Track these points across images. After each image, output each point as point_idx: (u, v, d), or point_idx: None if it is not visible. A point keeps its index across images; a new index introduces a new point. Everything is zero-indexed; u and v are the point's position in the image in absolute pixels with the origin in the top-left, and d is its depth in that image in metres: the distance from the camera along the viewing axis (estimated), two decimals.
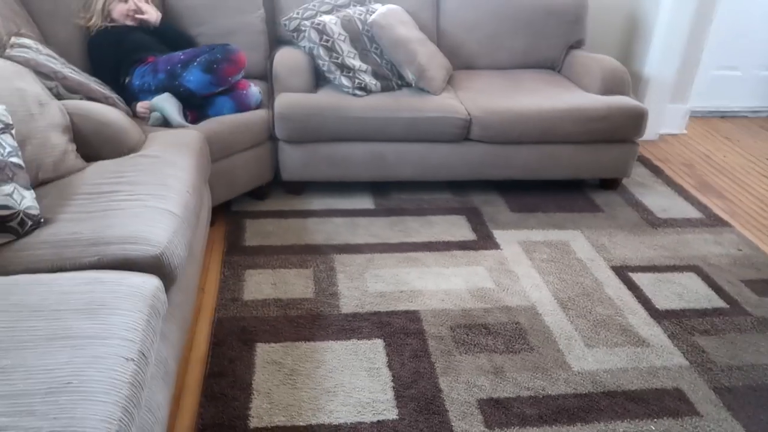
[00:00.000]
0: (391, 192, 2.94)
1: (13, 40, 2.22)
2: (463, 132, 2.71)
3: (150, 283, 1.45)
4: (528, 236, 2.64)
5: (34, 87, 1.94)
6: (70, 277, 1.42)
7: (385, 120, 2.64)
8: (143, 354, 1.26)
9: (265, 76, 2.95)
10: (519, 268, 2.40)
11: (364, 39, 2.83)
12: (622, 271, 2.43)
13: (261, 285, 2.23)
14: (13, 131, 1.70)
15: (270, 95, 2.81)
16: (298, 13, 2.91)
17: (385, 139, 2.71)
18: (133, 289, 1.40)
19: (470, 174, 2.84)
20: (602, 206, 2.93)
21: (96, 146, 2.06)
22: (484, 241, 2.59)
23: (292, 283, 2.25)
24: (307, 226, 2.62)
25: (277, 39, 3.12)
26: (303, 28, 2.81)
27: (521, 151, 2.81)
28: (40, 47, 2.27)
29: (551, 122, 2.73)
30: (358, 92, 2.71)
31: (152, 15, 2.64)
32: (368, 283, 2.26)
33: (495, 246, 2.55)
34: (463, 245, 2.54)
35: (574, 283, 2.33)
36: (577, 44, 3.31)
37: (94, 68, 2.54)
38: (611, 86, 2.95)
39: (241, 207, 2.74)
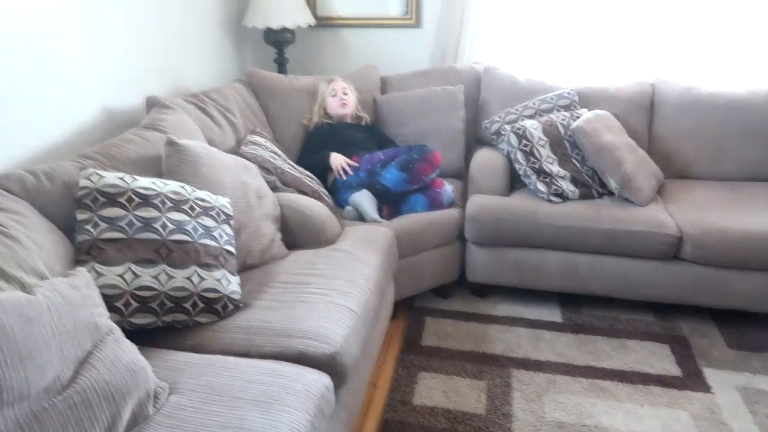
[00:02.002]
0: (582, 306, 2.72)
1: (249, 137, 2.58)
2: (672, 250, 2.43)
3: (321, 382, 1.48)
4: (750, 382, 2.21)
5: (256, 180, 2.20)
6: (254, 364, 1.51)
7: (582, 230, 2.48)
8: None
9: (461, 175, 3.00)
10: (736, 423, 2.00)
11: (566, 144, 2.74)
12: None
13: (432, 390, 2.16)
14: (232, 222, 1.93)
15: (463, 195, 2.84)
16: (500, 117, 2.95)
17: (580, 249, 2.53)
18: (305, 386, 1.44)
19: (678, 297, 2.50)
20: None
21: (298, 236, 2.24)
22: (691, 379, 2.22)
23: (464, 394, 2.14)
24: (488, 332, 2.51)
25: (476, 139, 3.17)
26: (503, 132, 2.82)
27: (746, 278, 2.41)
28: (268, 144, 2.60)
29: None
30: (554, 198, 2.60)
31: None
32: (546, 409, 2.06)
33: (705, 388, 2.17)
34: (663, 381, 2.21)
35: None
36: None
37: (303, 153, 2.83)
38: None
39: (424, 303, 2.74)
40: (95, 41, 2.19)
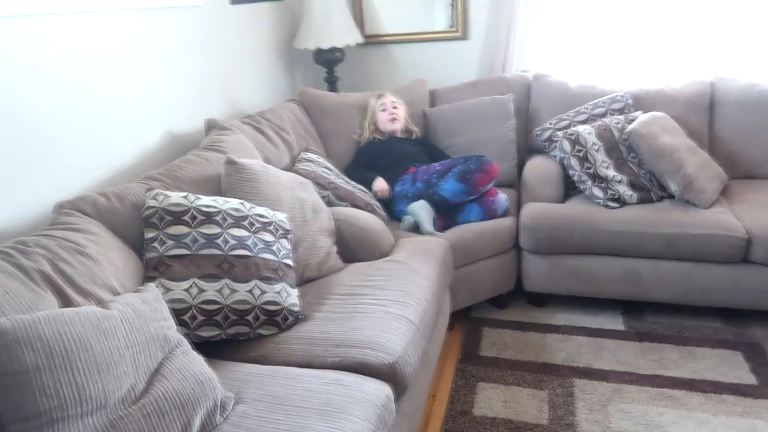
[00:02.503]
0: (645, 313, 2.63)
1: (302, 154, 2.65)
2: (740, 253, 2.33)
3: (382, 391, 1.50)
4: None
5: (311, 196, 2.25)
6: (315, 374, 1.54)
7: (642, 235, 2.41)
8: None
9: (514, 184, 2.98)
10: None
11: (621, 148, 2.68)
12: None
13: (492, 401, 2.14)
14: (290, 236, 1.98)
15: (517, 204, 2.81)
16: (551, 124, 2.92)
17: (640, 255, 2.46)
18: (366, 395, 1.46)
19: (749, 302, 2.39)
20: None
21: (353, 248, 2.27)
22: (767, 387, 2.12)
23: (525, 404, 2.11)
24: (547, 342, 2.47)
25: (528, 148, 3.15)
26: (555, 139, 2.78)
27: None
28: (321, 160, 2.66)
29: None
30: (611, 203, 2.55)
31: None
32: (612, 419, 2.00)
33: None
34: (737, 389, 2.11)
35: None
36: None
37: (351, 165, 2.88)
38: None
39: (481, 314, 2.72)
40: (158, 69, 2.31)
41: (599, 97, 2.95)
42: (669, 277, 2.45)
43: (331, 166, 2.67)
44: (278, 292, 1.78)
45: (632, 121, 2.72)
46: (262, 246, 1.82)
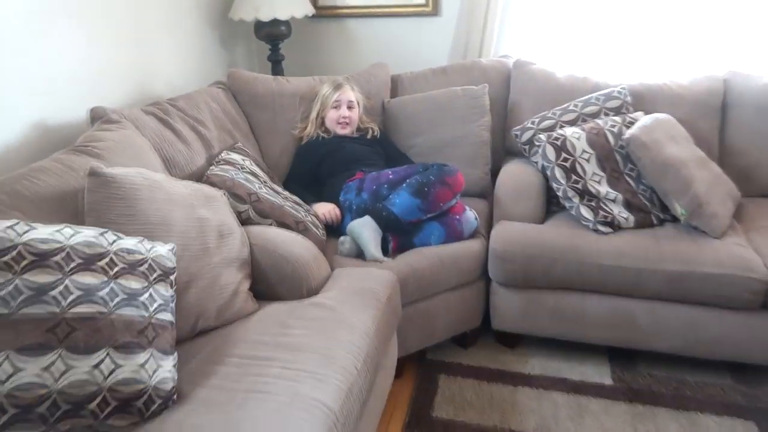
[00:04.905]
0: (638, 363, 2.16)
1: (223, 155, 2.12)
2: (759, 298, 1.87)
3: None
4: None
5: (219, 214, 1.73)
6: None
7: (639, 271, 1.94)
8: None
9: (486, 193, 2.48)
10: None
11: (616, 158, 2.19)
12: None
13: None
14: (174, 276, 1.46)
15: (489, 220, 2.32)
16: (533, 123, 2.41)
17: (636, 295, 1.99)
18: None
19: (767, 358, 1.94)
20: None
21: (273, 283, 1.77)
22: None
23: None
24: (517, 399, 2.00)
25: (505, 149, 2.64)
26: (537, 142, 2.28)
27: None
28: (247, 163, 2.13)
29: None
30: (601, 228, 2.06)
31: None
32: None
33: None
34: None
35: None
36: None
37: (291, 174, 2.39)
38: None
39: (438, 355, 2.23)
40: (24, 35, 1.75)
41: (592, 91, 2.45)
42: (670, 324, 1.99)
43: (259, 171, 2.14)
44: (142, 365, 1.26)
45: (631, 124, 2.23)
46: (123, 297, 1.30)
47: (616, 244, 2.00)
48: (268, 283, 1.77)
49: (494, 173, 2.47)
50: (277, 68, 2.90)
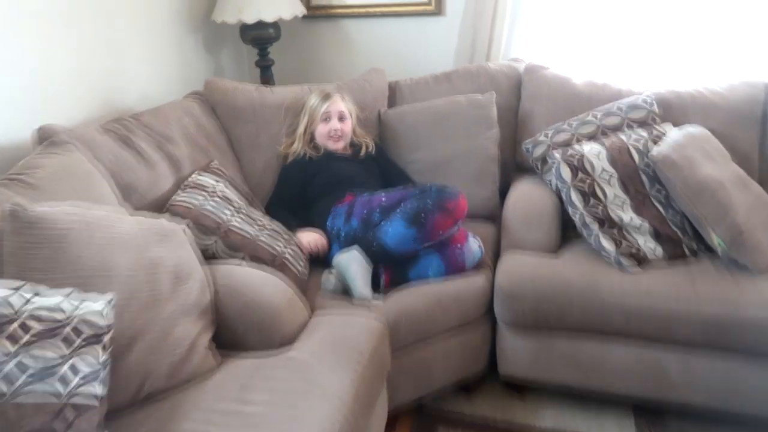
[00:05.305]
0: (667, 418, 1.87)
1: (194, 177, 1.88)
2: None
3: None
4: None
5: (176, 253, 1.49)
6: None
7: (670, 313, 1.66)
8: None
9: (495, 216, 2.21)
10: None
11: (642, 179, 1.91)
12: None
13: None
14: (109, 335, 1.21)
15: (497, 248, 2.05)
16: (547, 135, 2.14)
17: (666, 341, 1.71)
18: None
19: None
20: None
21: (240, 332, 1.53)
22: None
23: None
24: None
25: (515, 164, 2.38)
26: (551, 160, 2.01)
27: None
28: (221, 186, 1.90)
29: None
30: (624, 262, 1.78)
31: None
32: None
33: None
34: None
35: None
36: None
37: (274, 197, 2.15)
38: None
39: (438, 404, 1.97)
40: None
41: (613, 99, 2.17)
42: (705, 375, 1.71)
43: (233, 195, 1.90)
44: None
45: (659, 138, 1.94)
46: (32, 373, 1.06)
47: (642, 281, 1.72)
48: (235, 332, 1.53)
49: (503, 190, 2.21)
50: (266, 74, 2.66)
